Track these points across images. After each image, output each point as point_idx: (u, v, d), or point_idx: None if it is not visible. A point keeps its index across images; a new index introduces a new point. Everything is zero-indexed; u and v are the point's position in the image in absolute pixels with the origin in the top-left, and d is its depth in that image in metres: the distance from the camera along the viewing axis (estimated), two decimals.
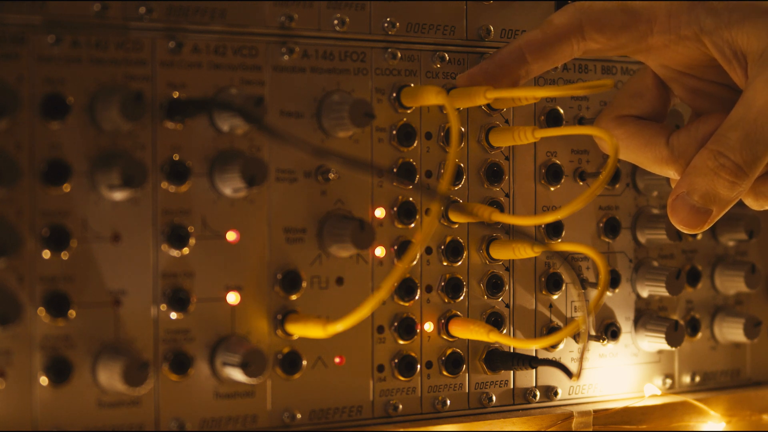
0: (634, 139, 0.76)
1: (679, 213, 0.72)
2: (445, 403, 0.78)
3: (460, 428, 0.77)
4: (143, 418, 0.69)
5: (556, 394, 0.82)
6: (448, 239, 0.78)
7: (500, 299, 0.80)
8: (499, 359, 0.79)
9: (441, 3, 0.78)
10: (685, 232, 0.74)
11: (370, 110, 0.72)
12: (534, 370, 0.81)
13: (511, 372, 0.80)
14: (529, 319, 0.81)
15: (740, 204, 0.89)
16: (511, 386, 0.80)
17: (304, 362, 0.73)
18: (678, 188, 0.73)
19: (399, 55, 0.76)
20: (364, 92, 0.75)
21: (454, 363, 0.78)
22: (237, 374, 0.69)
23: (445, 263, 0.78)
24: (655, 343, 0.85)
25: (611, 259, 0.85)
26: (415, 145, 0.76)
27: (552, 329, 0.82)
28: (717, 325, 0.89)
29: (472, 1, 0.79)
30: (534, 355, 0.80)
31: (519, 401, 0.81)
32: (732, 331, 0.89)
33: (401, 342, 0.76)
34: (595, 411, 0.82)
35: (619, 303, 0.85)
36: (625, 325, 0.85)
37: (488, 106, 0.79)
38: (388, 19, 0.76)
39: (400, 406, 0.76)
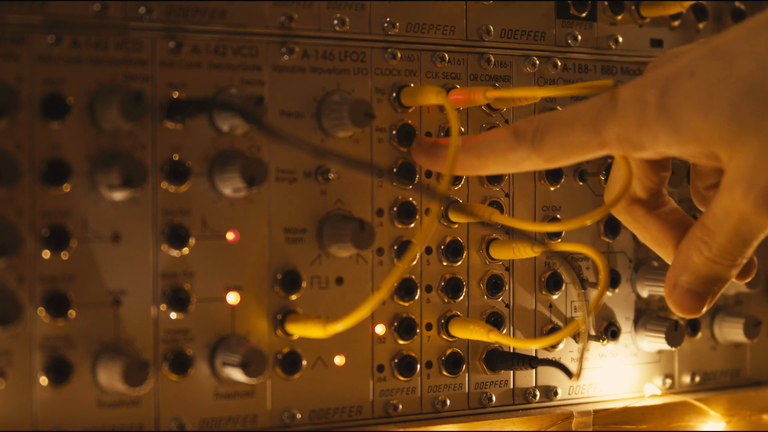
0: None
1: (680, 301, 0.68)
2: (445, 403, 0.78)
3: (460, 428, 0.77)
4: (143, 418, 0.69)
5: (556, 394, 0.82)
6: (448, 239, 0.78)
7: (500, 299, 0.80)
8: (499, 359, 0.79)
9: (441, 3, 0.78)
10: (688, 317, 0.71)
11: (370, 110, 0.72)
12: (534, 370, 0.81)
13: (511, 372, 0.80)
14: (529, 319, 0.81)
15: None
16: (511, 386, 0.80)
17: (304, 362, 0.73)
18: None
19: (399, 55, 0.76)
20: (364, 92, 0.75)
21: (454, 363, 0.78)
22: (237, 374, 0.69)
23: (445, 263, 0.78)
24: (655, 343, 0.85)
25: (611, 259, 0.85)
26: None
27: (552, 329, 0.82)
28: (717, 325, 0.89)
29: (472, 1, 0.79)
30: (534, 355, 0.80)
31: (519, 401, 0.81)
32: (732, 331, 0.89)
33: (401, 342, 0.76)
34: (595, 411, 0.82)
35: (619, 303, 0.85)
36: (625, 325, 0.85)
37: (488, 106, 0.79)
38: (388, 19, 0.76)
39: (400, 406, 0.76)
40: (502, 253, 0.79)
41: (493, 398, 0.80)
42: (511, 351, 0.80)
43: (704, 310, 0.68)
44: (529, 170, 0.73)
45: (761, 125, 0.60)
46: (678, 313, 0.68)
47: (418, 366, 0.77)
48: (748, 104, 0.60)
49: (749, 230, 0.64)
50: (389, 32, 0.76)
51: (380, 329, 0.76)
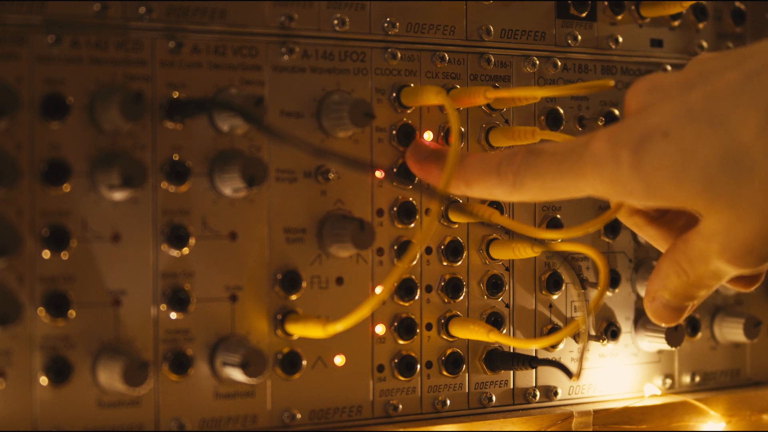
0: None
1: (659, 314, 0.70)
2: (445, 403, 0.78)
3: (460, 428, 0.77)
4: (143, 418, 0.69)
5: (556, 394, 0.82)
6: (448, 239, 0.78)
7: (500, 299, 0.80)
8: (499, 359, 0.79)
9: (441, 3, 0.78)
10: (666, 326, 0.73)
11: (370, 110, 0.72)
12: (534, 370, 0.81)
13: (511, 372, 0.80)
14: (529, 319, 0.81)
15: None
16: (511, 386, 0.80)
17: (304, 362, 0.73)
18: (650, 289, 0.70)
19: (399, 55, 0.76)
20: (364, 92, 0.75)
21: (454, 363, 0.78)
22: (237, 374, 0.69)
23: (445, 263, 0.78)
24: (655, 343, 0.85)
25: (611, 259, 0.85)
26: None
27: (552, 329, 0.82)
28: (717, 325, 0.89)
29: (472, 1, 0.79)
30: (534, 355, 0.80)
31: (519, 401, 0.81)
32: (732, 331, 0.89)
33: (401, 342, 0.76)
34: (595, 411, 0.82)
35: (619, 303, 0.85)
36: (625, 325, 0.85)
37: (488, 106, 0.79)
38: (388, 19, 0.76)
39: (400, 406, 0.76)
40: (502, 253, 0.79)
41: (493, 398, 0.80)
42: (511, 351, 0.80)
43: (682, 320, 0.70)
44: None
45: (733, 198, 0.60)
46: (656, 323, 0.70)
47: (418, 366, 0.77)
48: (720, 178, 0.60)
49: (726, 274, 0.65)
50: (389, 32, 0.76)
51: (380, 329, 0.76)
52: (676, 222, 0.71)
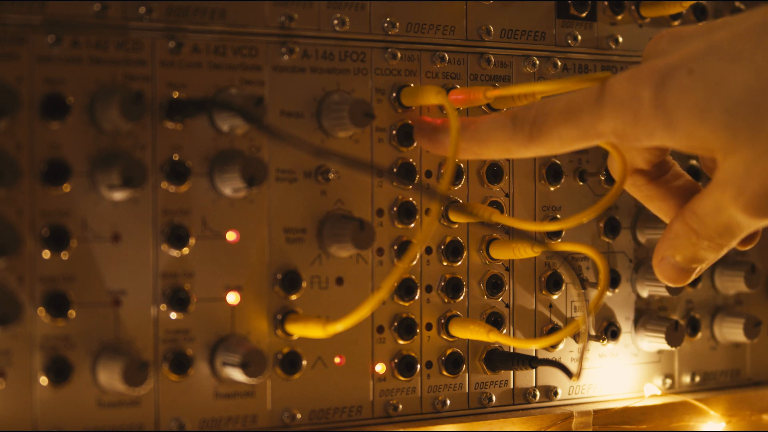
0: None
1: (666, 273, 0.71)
2: (445, 403, 0.78)
3: (460, 428, 0.77)
4: (143, 418, 0.69)
5: (556, 394, 0.82)
6: (448, 239, 0.78)
7: (500, 299, 0.80)
8: (499, 359, 0.79)
9: (441, 3, 0.78)
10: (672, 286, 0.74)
11: (370, 110, 0.72)
12: (534, 370, 0.81)
13: (511, 372, 0.80)
14: (529, 319, 0.81)
15: None
16: (511, 386, 0.80)
17: (304, 362, 0.73)
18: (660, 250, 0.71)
19: (399, 55, 0.76)
20: (364, 92, 0.75)
21: (454, 363, 0.78)
22: (237, 374, 0.69)
23: (445, 263, 0.78)
24: (655, 343, 0.85)
25: (611, 259, 0.85)
26: (415, 145, 0.76)
27: (552, 329, 0.82)
28: (717, 325, 0.89)
29: (472, 1, 0.79)
30: (534, 355, 0.80)
31: (519, 401, 0.81)
32: (732, 331, 0.89)
33: (401, 342, 0.76)
34: (595, 411, 0.82)
35: (619, 303, 0.85)
36: (625, 325, 0.85)
37: (488, 105, 0.79)
38: (388, 19, 0.76)
39: (400, 406, 0.76)
40: (502, 253, 0.79)
41: (493, 398, 0.80)
42: (511, 351, 0.80)
43: (689, 281, 0.70)
44: (529, 157, 0.75)
45: (755, 135, 0.60)
46: (664, 282, 0.70)
47: (418, 366, 0.77)
48: (743, 113, 0.60)
49: (738, 227, 0.65)
50: (389, 32, 0.76)
51: (381, 330, 0.76)
52: (674, 182, 0.71)
